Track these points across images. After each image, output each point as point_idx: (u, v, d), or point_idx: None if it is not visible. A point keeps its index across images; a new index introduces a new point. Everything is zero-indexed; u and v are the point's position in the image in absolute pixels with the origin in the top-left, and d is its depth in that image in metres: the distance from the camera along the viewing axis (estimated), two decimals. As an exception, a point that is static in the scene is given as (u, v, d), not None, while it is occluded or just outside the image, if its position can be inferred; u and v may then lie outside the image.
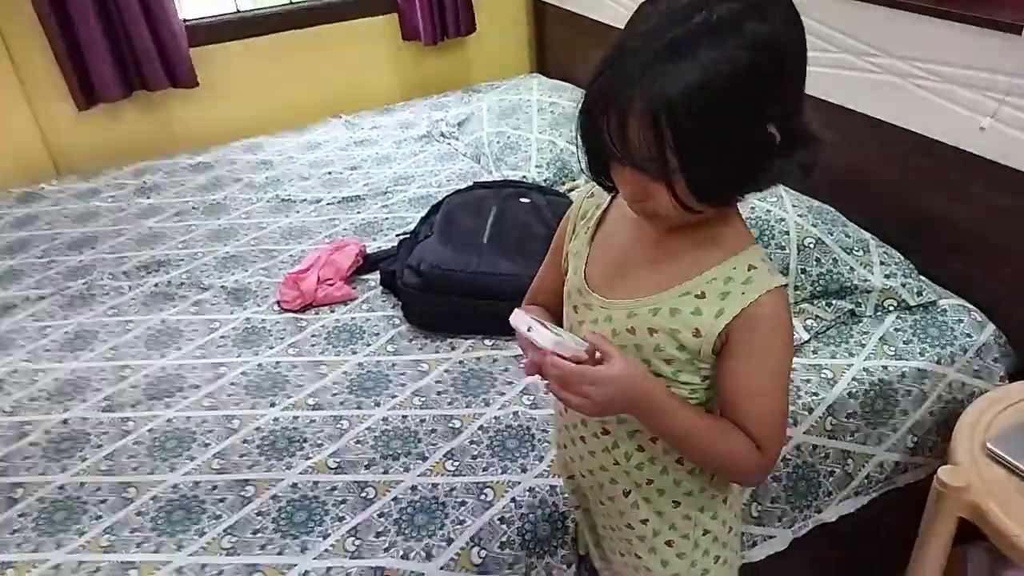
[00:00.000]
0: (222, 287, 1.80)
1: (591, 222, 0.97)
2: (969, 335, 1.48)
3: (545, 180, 2.10)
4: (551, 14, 2.88)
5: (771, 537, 1.34)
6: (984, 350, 1.47)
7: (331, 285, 1.74)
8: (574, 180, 2.12)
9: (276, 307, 1.72)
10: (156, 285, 1.83)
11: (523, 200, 1.87)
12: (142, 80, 2.44)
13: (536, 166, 2.14)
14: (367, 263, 1.84)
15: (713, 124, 0.71)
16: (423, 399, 1.44)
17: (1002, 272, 1.52)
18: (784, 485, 1.31)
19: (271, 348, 1.60)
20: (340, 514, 1.21)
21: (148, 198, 2.25)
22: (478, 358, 1.52)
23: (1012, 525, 1.10)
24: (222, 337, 1.64)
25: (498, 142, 2.27)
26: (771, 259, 0.82)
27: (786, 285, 0.82)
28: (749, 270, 0.81)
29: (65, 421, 1.43)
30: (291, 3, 2.69)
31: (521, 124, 2.29)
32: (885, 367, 1.41)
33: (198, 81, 2.51)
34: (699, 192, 0.75)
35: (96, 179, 2.37)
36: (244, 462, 1.32)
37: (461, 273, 1.59)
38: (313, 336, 1.62)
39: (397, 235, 1.92)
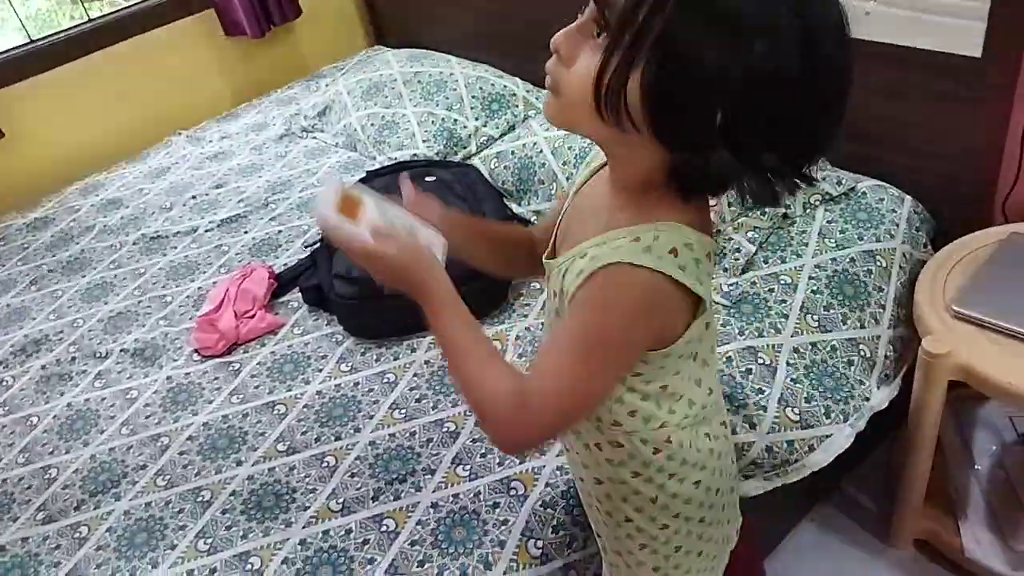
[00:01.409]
0: (122, 350, 1.58)
1: (574, 186, 0.92)
2: (893, 210, 1.56)
3: (437, 153, 2.00)
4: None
5: (827, 436, 1.28)
6: (910, 220, 1.56)
7: (252, 317, 1.58)
8: (465, 148, 2.03)
9: (196, 356, 1.54)
10: (44, 367, 1.58)
11: (428, 179, 1.77)
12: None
13: (423, 141, 2.03)
14: (280, 284, 1.68)
15: (709, 55, 0.62)
16: (404, 411, 1.34)
17: (896, 143, 1.61)
18: (812, 383, 1.30)
19: (210, 402, 1.43)
20: (368, 557, 1.11)
21: (-11, 272, 1.94)
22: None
23: (1001, 377, 1.18)
24: (146, 405, 1.45)
25: (372, 124, 2.14)
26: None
27: (661, 274, 0.69)
28: (629, 240, 0.71)
29: (3, 547, 1.22)
30: (87, 20, 2.37)
31: (392, 101, 2.16)
32: (834, 259, 1.46)
33: (2, 132, 2.17)
34: (607, 92, 0.65)
35: (-87, 265, 2.02)
36: (234, 535, 1.18)
37: (400, 269, 1.48)
38: (253, 377, 1.47)
39: (305, 246, 1.76)
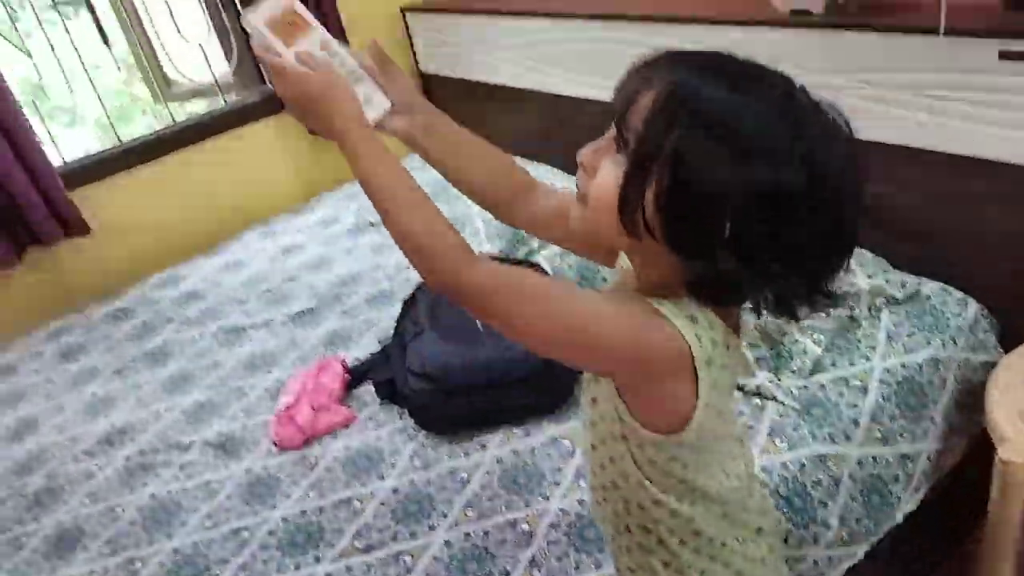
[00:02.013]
0: (205, 442, 1.65)
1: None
2: (959, 314, 1.57)
3: (500, 250, 2.08)
4: (437, 82, 2.88)
5: (850, 556, 1.35)
6: (974, 325, 1.57)
7: (327, 411, 1.63)
8: (526, 245, 2.11)
9: (273, 449, 1.59)
10: (127, 458, 1.65)
11: (495, 277, 1.84)
12: (32, 236, 2.23)
13: (488, 238, 2.11)
14: (353, 377, 1.74)
15: (715, 172, 0.67)
16: (477, 510, 1.36)
17: (959, 246, 1.63)
18: (861, 503, 1.33)
19: (288, 496, 1.47)
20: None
21: (76, 361, 2.04)
22: (514, 451, 1.46)
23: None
24: (227, 498, 1.50)
25: (438, 222, 2.23)
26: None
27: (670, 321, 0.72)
28: None
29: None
30: (172, 124, 2.54)
31: (454, 199, 2.24)
32: (903, 364, 1.48)
33: (88, 227, 2.32)
34: (626, 203, 0.71)
35: (5, 354, 2.13)
36: (315, 633, 1.20)
37: (472, 365, 1.53)
38: (329, 471, 1.51)
39: (379, 341, 1.83)
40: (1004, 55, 1.38)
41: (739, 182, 0.67)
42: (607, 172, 0.73)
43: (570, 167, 2.49)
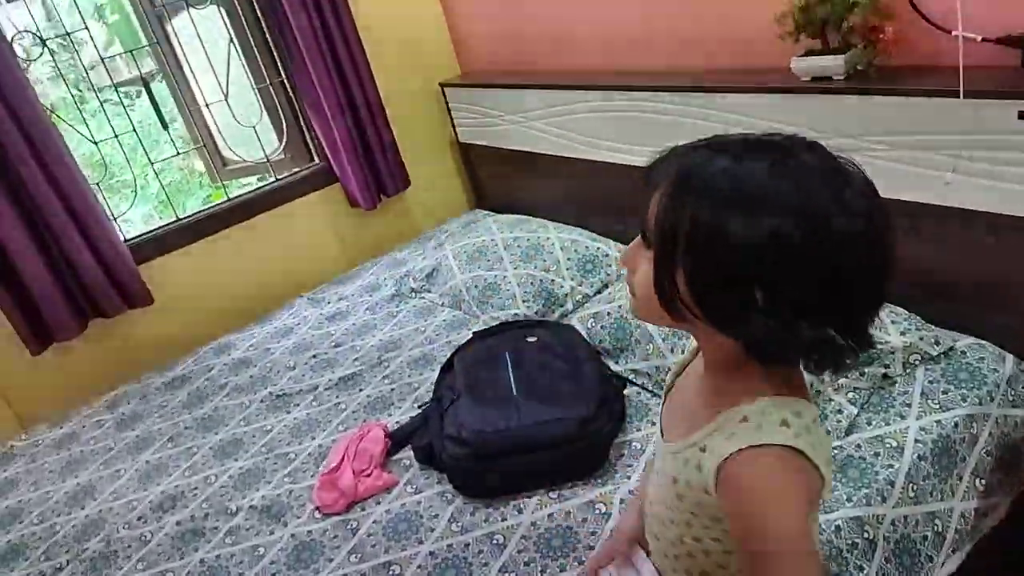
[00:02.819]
0: (251, 507, 1.70)
1: (670, 375, 1.01)
2: (995, 369, 1.56)
3: (536, 312, 2.13)
4: (476, 152, 2.99)
5: None
6: (1013, 379, 1.55)
7: (368, 476, 1.68)
8: (562, 306, 2.16)
9: (317, 514, 1.64)
10: (178, 523, 1.71)
11: (530, 339, 1.89)
12: (96, 309, 2.36)
13: (523, 300, 2.16)
14: (393, 442, 1.78)
15: (726, 236, 0.72)
16: (514, 574, 1.38)
17: (993, 302, 1.62)
18: (895, 565, 1.32)
19: (331, 560, 1.51)
20: None
21: (133, 430, 2.13)
22: (550, 515, 1.49)
23: None
24: (272, 563, 1.54)
25: (476, 286, 2.30)
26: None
27: (788, 447, 0.76)
28: (741, 422, 0.79)
29: None
30: (226, 199, 2.69)
31: (493, 264, 2.32)
32: (939, 422, 1.46)
33: (152, 298, 2.45)
34: (662, 291, 0.78)
35: (68, 423, 2.24)
36: None
37: (507, 431, 1.57)
38: (370, 536, 1.55)
39: (418, 406, 1.88)
40: (1023, 115, 1.40)
41: (752, 236, 0.71)
42: (644, 267, 0.81)
43: (603, 228, 2.55)
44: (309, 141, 2.82)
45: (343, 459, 1.71)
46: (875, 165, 1.67)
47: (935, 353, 1.59)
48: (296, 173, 2.80)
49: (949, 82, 1.47)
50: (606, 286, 2.19)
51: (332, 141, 2.70)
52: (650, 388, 1.78)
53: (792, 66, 1.73)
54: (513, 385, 1.70)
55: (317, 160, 2.84)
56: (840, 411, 1.52)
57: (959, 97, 1.47)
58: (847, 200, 0.72)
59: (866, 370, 1.58)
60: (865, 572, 1.29)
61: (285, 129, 2.80)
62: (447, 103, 2.96)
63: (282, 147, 2.83)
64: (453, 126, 3.01)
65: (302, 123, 2.79)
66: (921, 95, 1.54)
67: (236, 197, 2.70)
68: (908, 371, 1.59)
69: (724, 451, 0.78)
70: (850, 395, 1.55)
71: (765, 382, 0.81)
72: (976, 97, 1.45)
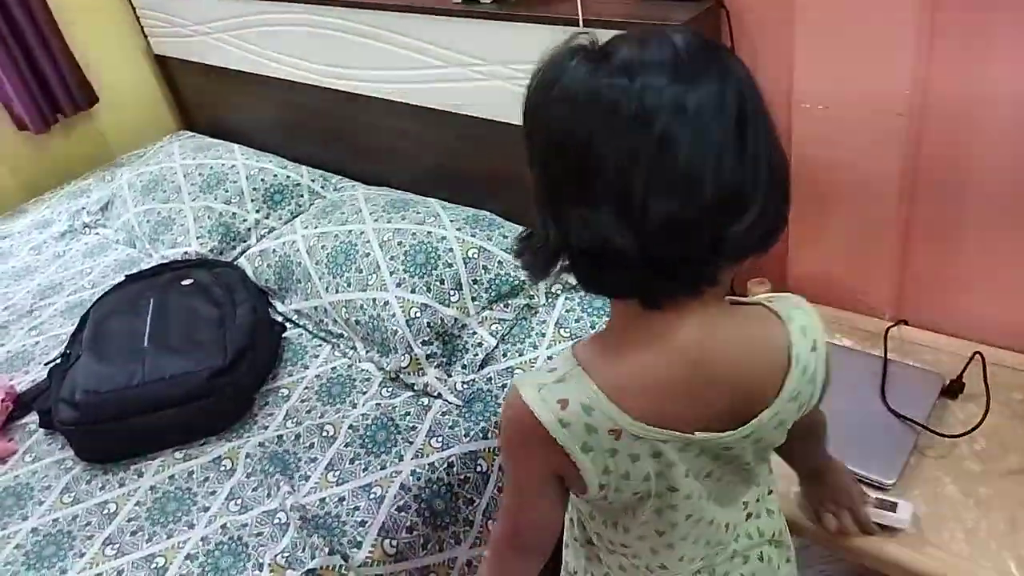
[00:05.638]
0: None
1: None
2: (628, 296, 1.61)
3: (211, 250, 1.96)
4: (174, 66, 2.69)
5: None
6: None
7: (-20, 445, 1.49)
8: (245, 241, 2.01)
9: (-87, 494, 1.44)
10: None
11: (185, 283, 1.73)
12: None
13: (197, 238, 1.98)
14: (19, 405, 1.60)
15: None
16: (116, 547, 1.28)
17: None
18: None
19: (-83, 548, 1.33)
20: None
21: None
22: (171, 477, 1.39)
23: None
24: None
25: (148, 220, 2.08)
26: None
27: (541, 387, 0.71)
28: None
29: None
30: None
31: (170, 196, 2.11)
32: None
33: None
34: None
35: None
36: None
37: (124, 391, 1.43)
38: (-30, 514, 1.38)
39: (46, 364, 1.68)
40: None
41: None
42: None
43: (311, 159, 2.32)
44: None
45: (-50, 429, 1.51)
46: (510, 90, 1.64)
47: (575, 282, 1.62)
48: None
49: (569, 11, 1.45)
50: (295, 218, 2.05)
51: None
52: (311, 330, 1.70)
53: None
54: (147, 336, 1.56)
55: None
56: (480, 344, 1.52)
57: (579, 25, 1.46)
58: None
59: (511, 301, 1.59)
60: (475, 504, 1.30)
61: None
62: (133, 6, 2.61)
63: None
64: (144, 35, 2.67)
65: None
66: (547, 23, 1.51)
67: None
68: (550, 300, 1.61)
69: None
70: (493, 327, 1.55)
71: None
72: (594, 27, 1.43)
